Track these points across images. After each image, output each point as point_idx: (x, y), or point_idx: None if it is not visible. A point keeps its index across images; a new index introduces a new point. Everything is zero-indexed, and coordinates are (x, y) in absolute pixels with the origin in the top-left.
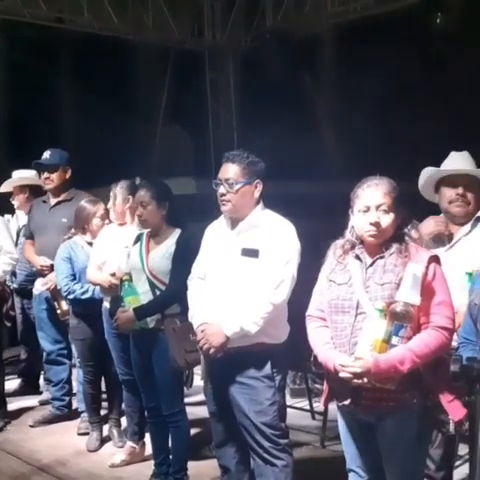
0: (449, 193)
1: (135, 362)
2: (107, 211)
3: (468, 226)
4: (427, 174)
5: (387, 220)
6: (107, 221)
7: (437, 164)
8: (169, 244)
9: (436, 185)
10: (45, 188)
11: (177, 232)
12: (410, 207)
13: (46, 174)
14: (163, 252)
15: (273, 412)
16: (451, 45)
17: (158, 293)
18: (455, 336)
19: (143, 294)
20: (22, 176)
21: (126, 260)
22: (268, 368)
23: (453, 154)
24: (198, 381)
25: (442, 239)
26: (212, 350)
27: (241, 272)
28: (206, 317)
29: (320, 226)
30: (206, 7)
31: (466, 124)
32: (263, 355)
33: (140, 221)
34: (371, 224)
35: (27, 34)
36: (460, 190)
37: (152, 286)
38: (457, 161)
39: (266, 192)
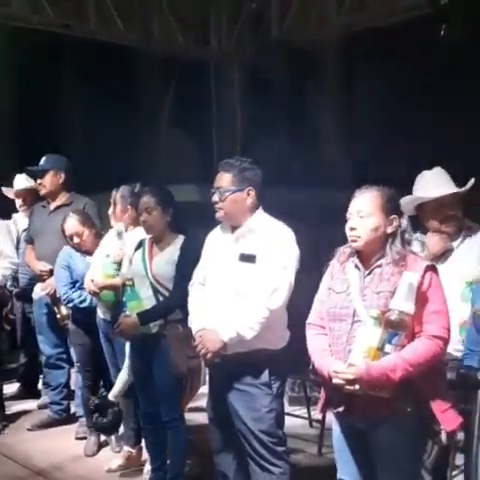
0: (439, 215)
1: (134, 368)
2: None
3: (460, 239)
4: (408, 201)
5: (364, 225)
6: (87, 232)
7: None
8: (173, 250)
9: (417, 207)
10: (41, 193)
11: (181, 238)
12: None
13: (38, 180)
14: (167, 258)
15: (270, 419)
16: (458, 56)
17: (161, 298)
18: (458, 345)
19: (146, 299)
20: (25, 182)
21: (127, 265)
22: (266, 375)
23: (428, 176)
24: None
25: (446, 255)
26: (209, 355)
27: (239, 277)
28: (204, 323)
29: (321, 234)
30: (212, 16)
31: (468, 137)
32: (261, 362)
33: (144, 227)
34: (349, 229)
35: (34, 40)
36: (451, 211)
37: (155, 292)
38: (437, 183)
39: (268, 199)
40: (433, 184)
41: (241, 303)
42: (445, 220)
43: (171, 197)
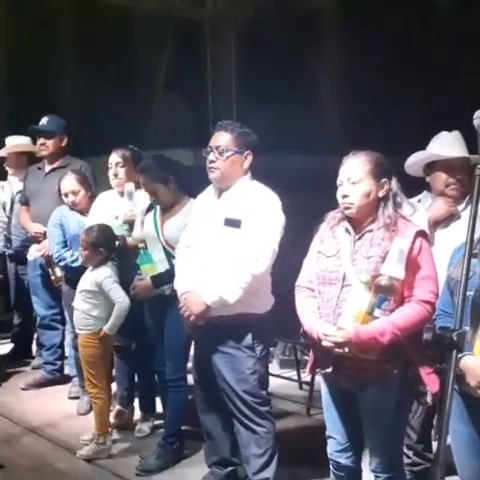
0: (445, 177)
1: (149, 328)
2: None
3: (463, 204)
4: (420, 157)
5: (356, 191)
6: (83, 192)
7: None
8: (185, 213)
9: (426, 165)
10: (40, 154)
11: (192, 202)
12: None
13: (42, 140)
14: (179, 222)
15: (254, 381)
16: (456, 12)
17: (173, 261)
18: None
19: (159, 262)
20: (17, 143)
21: (140, 228)
22: (249, 338)
23: (445, 136)
24: None
25: (448, 220)
26: (192, 317)
27: (223, 242)
28: (189, 285)
29: (318, 200)
30: None
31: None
32: (244, 326)
33: (155, 203)
34: (341, 196)
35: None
36: (458, 175)
37: (168, 255)
38: (452, 145)
39: (262, 165)
40: (449, 145)
41: (225, 267)
42: (452, 183)
43: (168, 166)
